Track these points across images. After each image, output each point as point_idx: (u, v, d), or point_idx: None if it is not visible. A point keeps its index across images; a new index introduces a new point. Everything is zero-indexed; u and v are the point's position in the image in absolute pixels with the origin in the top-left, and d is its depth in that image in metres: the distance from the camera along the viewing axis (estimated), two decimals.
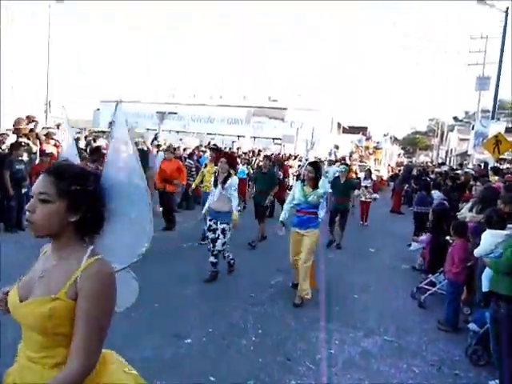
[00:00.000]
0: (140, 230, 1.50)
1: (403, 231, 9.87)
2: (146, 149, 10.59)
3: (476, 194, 6.00)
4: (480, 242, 3.86)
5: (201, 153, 12.81)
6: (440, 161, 30.64)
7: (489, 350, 3.57)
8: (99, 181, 1.44)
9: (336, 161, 12.07)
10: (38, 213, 1.30)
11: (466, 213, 5.40)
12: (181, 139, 19.60)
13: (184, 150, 12.45)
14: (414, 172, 14.57)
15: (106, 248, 1.46)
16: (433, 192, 8.61)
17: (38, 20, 21.80)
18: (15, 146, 7.13)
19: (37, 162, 7.77)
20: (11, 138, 7.62)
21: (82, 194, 1.34)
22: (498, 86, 15.49)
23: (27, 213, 1.33)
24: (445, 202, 6.68)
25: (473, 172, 10.53)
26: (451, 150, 34.97)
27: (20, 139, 7.58)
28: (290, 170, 15.59)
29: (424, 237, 6.53)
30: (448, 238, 5.11)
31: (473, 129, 17.40)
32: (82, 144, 10.52)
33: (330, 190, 5.48)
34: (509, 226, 3.79)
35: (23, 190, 7.12)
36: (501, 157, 12.48)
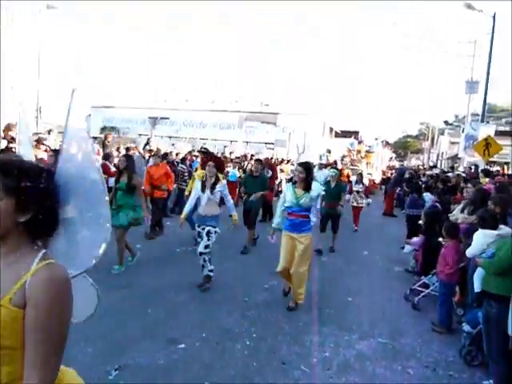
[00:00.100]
0: (98, 230, 1.38)
1: (396, 234, 9.92)
2: (137, 154, 10.56)
3: (467, 195, 6.05)
4: (472, 243, 3.89)
5: (193, 157, 12.80)
6: (431, 164, 30.89)
7: (482, 351, 3.59)
8: (52, 177, 1.30)
9: (327, 165, 12.10)
10: None
11: (458, 214, 5.44)
12: (173, 144, 19.60)
13: (176, 154, 12.42)
14: (406, 175, 14.67)
15: (60, 251, 1.33)
16: (424, 194, 8.68)
17: (38, 20, 21.70)
18: (5, 151, 7.05)
19: None
20: (1, 144, 7.54)
21: (33, 192, 1.20)
22: (486, 89, 15.69)
23: None
24: (437, 204, 6.73)
25: (464, 175, 10.65)
26: (442, 154, 35.27)
27: (10, 145, 7.50)
28: (283, 175, 15.62)
29: (417, 239, 6.57)
30: (440, 239, 5.14)
31: (463, 132, 17.62)
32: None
33: (324, 192, 5.33)
34: (500, 226, 3.83)
35: None
36: (491, 159, 12.64)
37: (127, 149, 11.63)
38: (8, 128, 8.19)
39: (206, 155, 7.07)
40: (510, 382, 3.24)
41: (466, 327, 4.01)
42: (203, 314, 4.55)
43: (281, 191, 10.99)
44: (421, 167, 28.34)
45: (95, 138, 15.61)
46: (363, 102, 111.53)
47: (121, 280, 5.43)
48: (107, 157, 9.52)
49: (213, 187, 5.28)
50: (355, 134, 33.18)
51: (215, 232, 5.27)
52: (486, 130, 14.58)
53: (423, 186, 9.82)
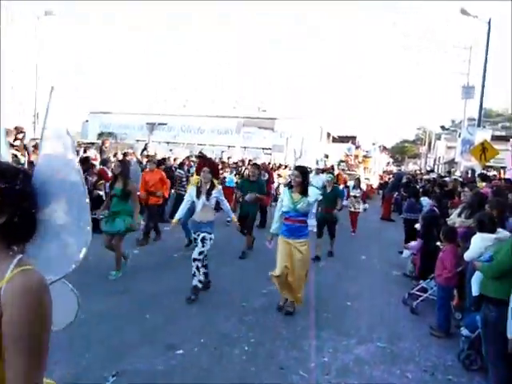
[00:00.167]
0: (78, 234, 1.32)
1: (394, 238, 9.93)
2: (135, 159, 10.55)
3: (465, 199, 6.07)
4: (470, 246, 3.90)
5: (191, 163, 12.81)
6: (428, 168, 31.00)
7: (481, 355, 3.58)
8: (30, 179, 1.23)
9: (323, 170, 12.08)
10: None
11: (456, 218, 5.45)
12: (171, 150, 19.59)
13: (174, 159, 12.43)
14: (404, 180, 14.71)
15: (38, 256, 1.26)
16: (422, 199, 8.70)
17: (36, 27, 21.76)
18: None
19: None
20: None
21: (8, 193, 1.13)
22: (482, 94, 15.79)
23: None
24: (435, 208, 6.74)
25: (461, 179, 10.68)
26: (439, 158, 35.41)
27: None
28: (281, 180, 15.64)
29: (415, 243, 6.58)
30: (438, 243, 5.15)
31: (459, 136, 17.70)
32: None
33: (321, 197, 5.24)
34: (498, 230, 3.84)
35: None
36: (487, 164, 12.69)
37: (125, 154, 11.63)
38: (6, 134, 8.17)
39: (202, 159, 6.96)
40: None
41: (464, 331, 4.00)
42: (201, 320, 4.53)
43: (279, 196, 10.96)
44: (418, 172, 28.43)
45: (93, 143, 15.62)
46: (362, 103, 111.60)
47: (118, 285, 5.41)
48: (105, 162, 9.52)
49: (208, 193, 5.20)
50: (352, 138, 33.27)
51: (210, 239, 5.18)
52: (483, 135, 14.64)
53: (421, 190, 9.84)
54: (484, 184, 8.48)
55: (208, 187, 5.23)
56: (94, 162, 9.39)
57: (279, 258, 4.78)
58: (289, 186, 5.03)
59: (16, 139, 7.90)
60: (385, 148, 48.05)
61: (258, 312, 4.87)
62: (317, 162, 19.11)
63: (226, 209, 5.61)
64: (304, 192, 4.73)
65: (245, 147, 28.41)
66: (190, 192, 5.35)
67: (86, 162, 9.18)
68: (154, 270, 6.25)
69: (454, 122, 45.04)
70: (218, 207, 5.57)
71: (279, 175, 16.33)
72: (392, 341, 4.37)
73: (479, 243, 3.83)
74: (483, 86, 15.68)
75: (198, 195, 5.23)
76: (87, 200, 1.33)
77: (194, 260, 5.08)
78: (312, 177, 10.27)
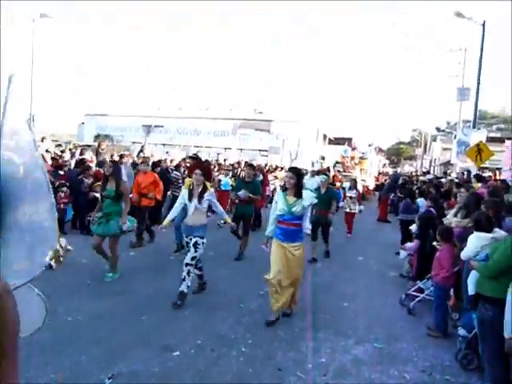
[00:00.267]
0: (43, 236, 1.22)
1: (390, 239, 9.94)
2: (131, 161, 10.52)
3: (460, 200, 6.09)
4: (466, 245, 3.91)
5: (187, 164, 12.78)
6: (424, 170, 31.12)
7: (478, 355, 3.59)
8: None
9: (319, 171, 12.06)
10: None
11: (452, 218, 5.47)
12: (167, 152, 19.57)
13: (171, 161, 12.41)
14: (400, 181, 14.76)
15: (1, 261, 1.17)
16: (418, 200, 8.72)
17: (32, 30, 21.73)
18: None
19: None
20: None
21: None
22: (477, 96, 15.89)
23: None
24: (431, 209, 6.76)
25: (457, 180, 10.73)
26: (435, 160, 35.58)
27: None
28: (277, 182, 15.63)
29: (411, 244, 6.58)
30: (435, 243, 5.16)
31: (455, 138, 17.80)
32: (67, 156, 10.39)
33: (316, 200, 5.01)
34: (495, 229, 3.85)
35: None
36: (482, 165, 12.75)
37: (121, 156, 11.60)
38: None
39: (193, 161, 6.70)
40: None
41: (461, 331, 4.01)
42: (198, 321, 4.52)
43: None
44: (414, 173, 28.52)
45: (89, 145, 15.57)
46: (361, 104, 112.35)
47: (114, 287, 5.38)
48: (101, 164, 9.46)
49: (200, 196, 5.10)
50: (349, 140, 33.31)
51: (202, 243, 5.09)
52: (478, 136, 14.72)
53: (417, 191, 9.87)
54: (479, 185, 8.52)
55: (200, 190, 5.14)
56: (90, 164, 9.35)
57: (273, 262, 4.63)
58: (283, 188, 4.90)
59: None
60: (381, 150, 48.16)
61: (255, 313, 4.85)
62: (312, 164, 19.13)
63: (218, 211, 5.52)
64: (298, 194, 4.61)
65: (241, 149, 28.44)
66: (183, 194, 5.27)
67: (82, 164, 9.16)
68: (150, 272, 6.23)
69: (449, 124, 45.30)
70: (211, 210, 5.46)
71: (275, 177, 16.33)
72: (389, 341, 4.37)
73: (475, 242, 3.84)
74: (478, 88, 15.79)
75: (190, 198, 5.13)
76: (52, 200, 1.24)
77: (186, 265, 4.98)
78: (307, 179, 10.26)
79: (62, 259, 5.94)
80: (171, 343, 3.92)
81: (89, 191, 8.21)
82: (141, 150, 14.09)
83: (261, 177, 11.44)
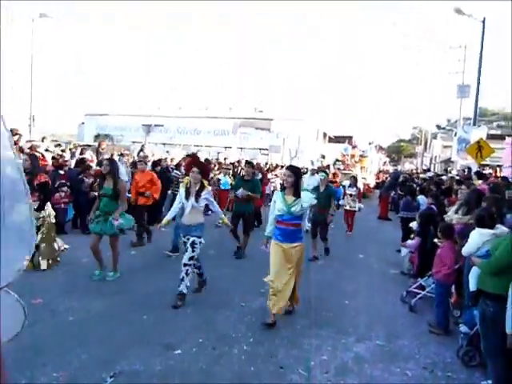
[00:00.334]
0: (19, 239, 1.16)
1: (391, 237, 9.94)
2: (131, 160, 10.50)
3: (461, 196, 6.08)
4: (468, 241, 3.91)
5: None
6: (425, 168, 31.11)
7: (480, 351, 3.58)
8: None
9: (319, 169, 12.00)
10: None
11: (453, 215, 5.46)
12: (167, 151, 19.56)
13: (171, 160, 12.39)
14: (401, 179, 14.74)
15: None
16: (419, 197, 8.71)
17: (32, 29, 21.71)
18: None
19: None
20: None
21: None
22: (478, 93, 15.87)
23: None
24: (433, 206, 6.75)
25: (457, 177, 10.72)
26: (435, 157, 35.56)
27: None
28: (278, 180, 15.62)
29: (412, 241, 6.57)
30: (436, 240, 5.15)
31: (455, 136, 17.78)
32: (67, 156, 10.39)
33: (315, 201, 4.83)
34: (497, 226, 3.85)
35: None
36: (483, 162, 12.74)
37: (121, 155, 11.60)
38: None
39: (190, 159, 6.45)
40: (509, 381, 3.23)
41: (463, 328, 4.01)
42: (199, 319, 4.51)
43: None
44: (414, 171, 28.51)
45: (89, 145, 15.56)
46: (360, 103, 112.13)
47: (116, 286, 5.38)
48: (101, 164, 9.47)
49: (198, 194, 5.02)
50: (349, 138, 33.34)
51: (200, 242, 5.01)
52: (478, 133, 14.73)
53: (417, 188, 9.85)
54: (480, 181, 8.51)
55: (197, 188, 5.06)
56: (90, 164, 9.35)
57: (272, 263, 4.54)
58: (281, 187, 4.80)
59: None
60: (381, 147, 48.15)
61: (257, 312, 4.84)
62: (312, 163, 19.12)
63: (216, 210, 5.42)
64: (297, 193, 4.51)
65: (241, 148, 28.44)
66: (181, 193, 5.21)
67: (82, 164, 9.16)
68: (150, 271, 6.23)
69: (449, 121, 45.23)
70: (207, 209, 5.38)
71: (276, 176, 16.32)
72: (391, 339, 4.37)
73: (477, 238, 3.83)
74: (478, 85, 15.76)
75: (187, 196, 5.05)
76: (30, 201, 1.17)
77: (185, 265, 4.93)
78: (308, 177, 10.23)
79: (59, 258, 5.95)
80: (172, 342, 3.92)
81: (89, 191, 8.20)
82: (141, 150, 14.06)
83: (260, 175, 11.42)
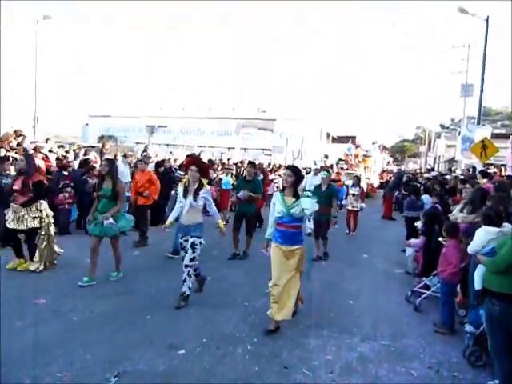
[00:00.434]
0: None
1: (395, 236, 9.90)
2: (134, 161, 10.51)
3: (466, 195, 6.04)
4: (473, 239, 3.88)
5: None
6: (428, 167, 30.99)
7: (487, 351, 3.54)
8: None
9: (321, 168, 11.92)
10: None
11: (458, 214, 5.42)
12: (171, 152, 19.60)
13: (175, 161, 12.40)
14: (405, 179, 14.68)
15: None
16: (423, 197, 8.67)
17: (35, 31, 21.83)
18: (1, 160, 7.02)
19: None
20: (0, 152, 7.53)
21: None
22: (482, 92, 15.79)
23: None
24: (437, 205, 6.71)
25: (462, 177, 10.67)
26: (439, 157, 35.41)
27: (8, 153, 7.49)
28: (280, 180, 15.60)
29: (417, 241, 6.54)
30: (440, 239, 5.11)
31: (459, 135, 17.69)
32: (71, 157, 10.42)
33: (317, 206, 4.56)
34: (504, 224, 3.81)
35: None
36: (487, 161, 12.66)
37: (125, 156, 11.62)
38: (6, 138, 8.20)
39: (189, 157, 6.33)
40: None
41: (468, 328, 3.97)
42: (203, 320, 4.50)
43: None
44: (418, 171, 28.41)
45: (93, 146, 15.62)
46: (362, 103, 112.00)
47: (119, 286, 5.38)
48: None
49: (196, 193, 4.90)
50: (352, 138, 33.25)
51: (200, 243, 4.91)
52: (482, 132, 14.65)
53: (422, 188, 9.81)
54: (485, 180, 8.46)
55: (196, 187, 4.97)
56: (94, 165, 9.36)
57: (273, 267, 4.39)
58: (281, 189, 4.65)
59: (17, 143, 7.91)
60: (384, 147, 48.03)
61: (260, 312, 4.81)
62: (315, 163, 19.08)
63: (213, 213, 5.23)
64: (297, 195, 4.38)
65: (244, 148, 28.45)
66: (179, 191, 5.13)
67: (86, 165, 9.18)
68: (154, 271, 6.23)
69: (453, 121, 45.10)
70: (205, 210, 5.19)
71: (280, 176, 16.30)
72: (396, 338, 4.34)
73: (483, 236, 3.80)
74: (482, 83, 15.69)
75: (185, 195, 4.95)
76: None
77: (186, 266, 4.86)
78: (311, 177, 10.21)
79: (55, 261, 5.95)
80: (176, 342, 3.91)
81: (93, 191, 8.20)
82: (144, 150, 14.07)
83: (261, 176, 11.39)
